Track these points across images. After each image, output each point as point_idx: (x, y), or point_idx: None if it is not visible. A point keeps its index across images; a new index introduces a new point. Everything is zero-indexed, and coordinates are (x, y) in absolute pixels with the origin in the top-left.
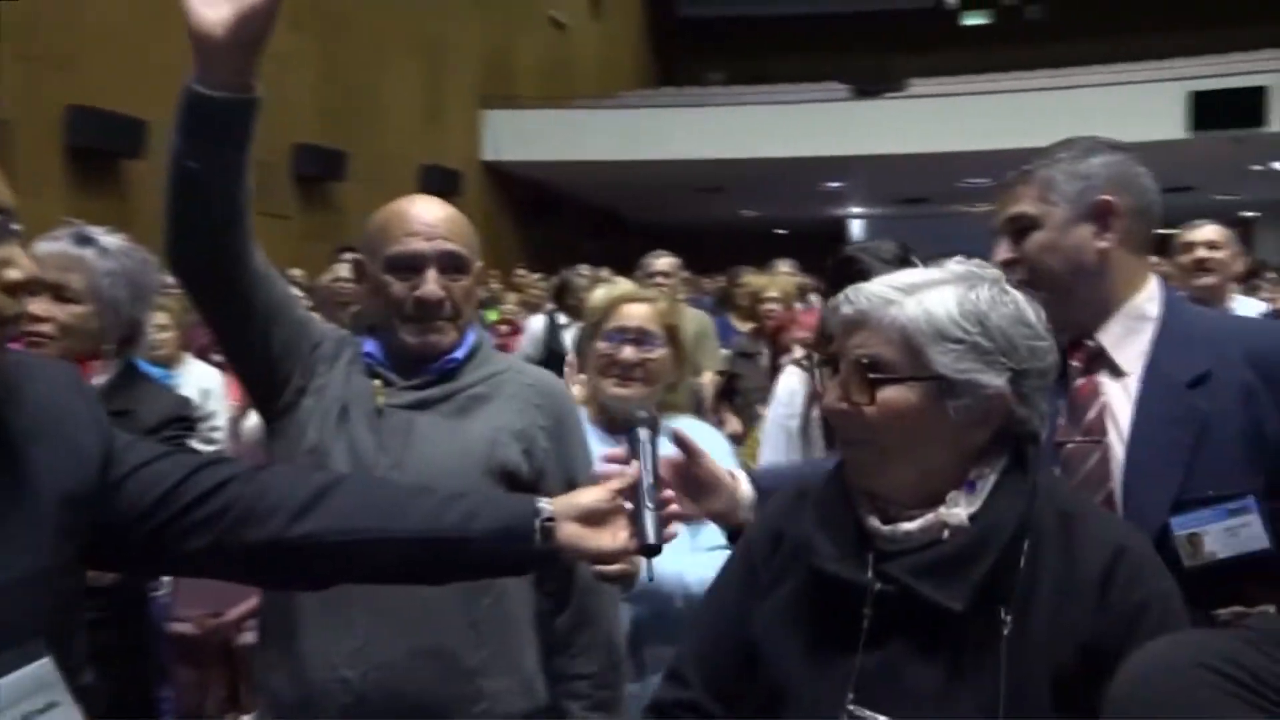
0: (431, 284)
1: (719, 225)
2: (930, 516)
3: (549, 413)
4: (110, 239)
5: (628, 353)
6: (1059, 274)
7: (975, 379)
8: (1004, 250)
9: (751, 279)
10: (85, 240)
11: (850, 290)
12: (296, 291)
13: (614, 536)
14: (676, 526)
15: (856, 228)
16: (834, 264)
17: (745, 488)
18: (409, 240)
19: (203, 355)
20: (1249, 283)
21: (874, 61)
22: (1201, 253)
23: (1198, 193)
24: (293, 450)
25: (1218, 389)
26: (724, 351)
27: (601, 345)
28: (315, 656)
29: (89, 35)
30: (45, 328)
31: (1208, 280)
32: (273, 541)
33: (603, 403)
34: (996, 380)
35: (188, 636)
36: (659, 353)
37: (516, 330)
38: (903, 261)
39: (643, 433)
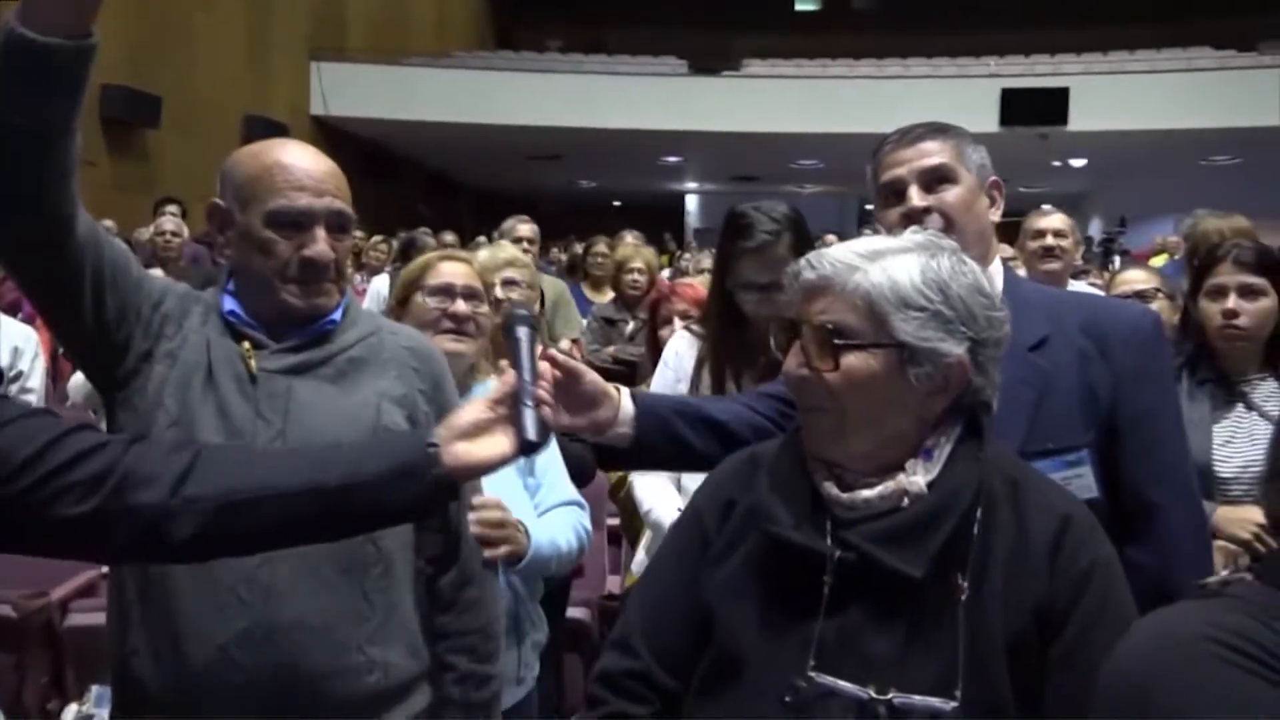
0: (322, 244)
1: (555, 194)
2: (890, 484)
3: (426, 376)
4: None
5: (460, 306)
6: (969, 232)
7: (937, 347)
8: (919, 196)
9: (618, 249)
10: None
11: (812, 256)
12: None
13: (498, 444)
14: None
15: (692, 203)
16: (727, 218)
17: (626, 403)
18: (296, 195)
19: (11, 311)
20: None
21: (711, 39)
22: (1050, 240)
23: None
24: (146, 422)
25: (1056, 352)
26: (581, 320)
27: (430, 301)
28: (196, 638)
29: None
30: None
31: (1053, 265)
32: (158, 507)
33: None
34: (957, 349)
35: (5, 619)
36: (485, 308)
37: (357, 292)
38: (794, 223)
39: (521, 330)
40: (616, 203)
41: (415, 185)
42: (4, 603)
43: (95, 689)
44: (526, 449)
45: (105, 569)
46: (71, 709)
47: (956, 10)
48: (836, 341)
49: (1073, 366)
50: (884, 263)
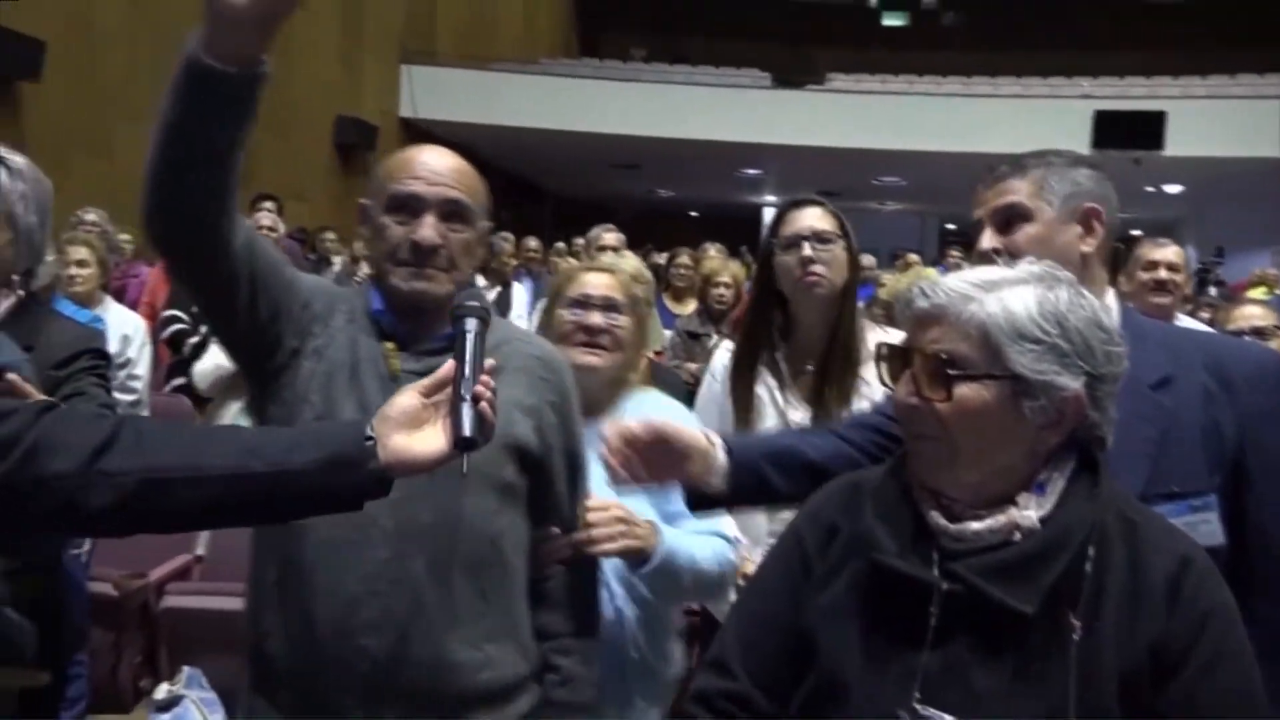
0: (429, 228)
1: (634, 202)
2: (1001, 517)
3: (555, 387)
4: (17, 158)
5: (595, 319)
6: None
7: (1052, 380)
8: (989, 238)
9: (705, 260)
10: None
11: (925, 283)
12: None
13: (435, 440)
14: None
15: (770, 216)
16: (778, 214)
17: (720, 455)
18: (411, 182)
19: (119, 298)
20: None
21: (794, 52)
22: (1163, 273)
23: None
24: (293, 416)
25: (1179, 390)
26: (666, 332)
27: (565, 313)
28: (327, 624)
29: None
30: None
31: (1163, 300)
32: (72, 476)
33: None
34: (1073, 383)
35: (105, 597)
36: (624, 320)
37: None
38: (844, 227)
39: (470, 323)
40: (694, 213)
41: (498, 189)
42: (105, 581)
43: (186, 670)
44: (462, 445)
45: (200, 552)
46: (163, 688)
47: (1049, 29)
48: (949, 371)
49: (1197, 406)
50: (1000, 293)
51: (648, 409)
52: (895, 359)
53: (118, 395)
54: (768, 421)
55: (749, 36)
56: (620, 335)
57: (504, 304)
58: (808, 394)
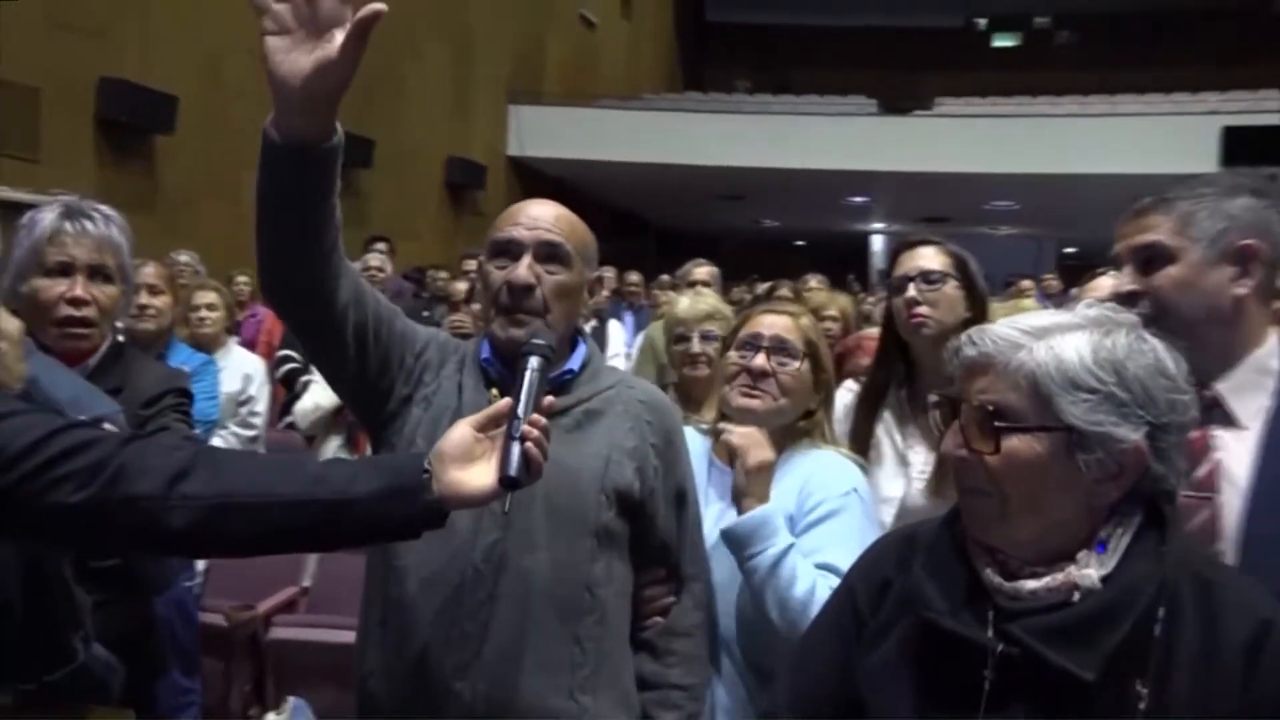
0: (523, 268)
1: (739, 233)
2: (1058, 576)
3: (659, 430)
4: (108, 209)
5: (758, 361)
6: (1190, 316)
7: (1109, 432)
8: (1128, 279)
9: (811, 294)
10: (81, 213)
11: (974, 331)
12: None
13: (485, 476)
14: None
15: (878, 243)
16: (893, 252)
17: None
18: (511, 229)
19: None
20: None
21: (901, 78)
22: None
23: None
24: None
25: None
26: None
27: (733, 354)
28: (424, 666)
29: (124, 5)
30: (89, 312)
31: None
32: (154, 499)
33: (726, 415)
34: (1132, 434)
35: (216, 628)
36: (795, 366)
37: None
38: (962, 263)
39: (531, 361)
40: (800, 242)
41: (601, 223)
42: (216, 612)
43: (292, 701)
44: (506, 484)
45: (306, 584)
46: (269, 717)
47: (1170, 43)
48: (997, 424)
49: None
50: (1051, 340)
51: (808, 468)
52: (945, 408)
53: (239, 430)
54: (886, 463)
55: (854, 64)
56: (786, 382)
57: (599, 340)
58: (931, 439)
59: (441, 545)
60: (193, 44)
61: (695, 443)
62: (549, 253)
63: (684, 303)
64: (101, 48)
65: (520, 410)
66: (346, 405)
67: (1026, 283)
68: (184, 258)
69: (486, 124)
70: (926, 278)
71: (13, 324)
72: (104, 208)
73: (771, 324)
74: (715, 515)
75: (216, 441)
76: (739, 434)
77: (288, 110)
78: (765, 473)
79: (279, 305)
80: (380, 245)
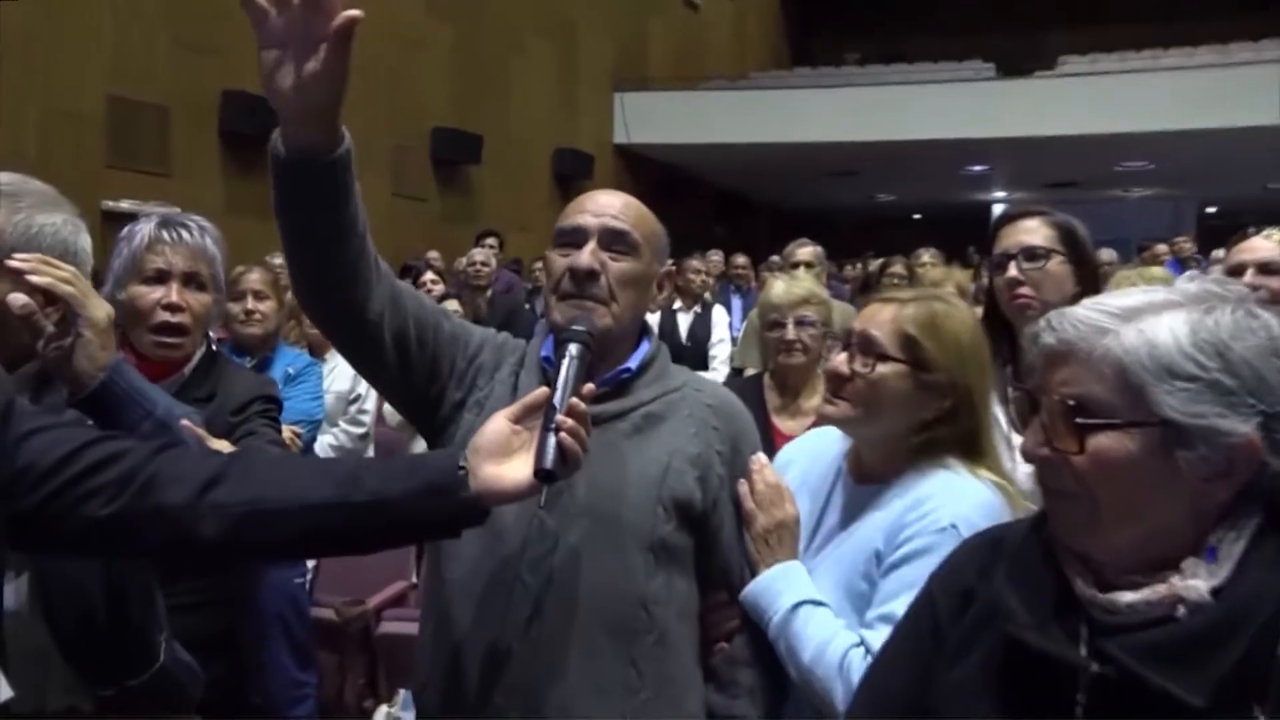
0: (586, 253)
1: (852, 209)
2: (1161, 588)
3: (725, 436)
4: (203, 220)
5: (837, 362)
6: None
7: (1213, 424)
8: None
9: (925, 269)
10: (177, 224)
11: (1054, 315)
12: (431, 279)
13: (521, 470)
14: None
15: (1000, 212)
16: (993, 226)
17: None
18: (577, 216)
19: None
20: None
21: (1021, 38)
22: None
23: None
24: None
25: None
26: None
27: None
28: (474, 683)
29: (242, 22)
30: (184, 318)
31: None
32: (184, 508)
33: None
34: (1241, 426)
35: (329, 622)
36: (883, 370)
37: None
38: (1069, 235)
39: (571, 349)
40: (916, 215)
41: (710, 206)
42: (328, 608)
43: (403, 693)
44: (542, 477)
45: (415, 580)
46: (382, 710)
47: None
48: (1081, 420)
49: None
50: (1141, 322)
51: (915, 496)
52: (1024, 402)
53: (349, 428)
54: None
55: (969, 27)
56: (861, 389)
57: (703, 326)
58: None
59: (489, 557)
60: None
61: (825, 441)
62: (614, 239)
63: (778, 287)
64: (222, 64)
65: (556, 399)
66: (401, 414)
67: (1162, 247)
68: (279, 260)
69: (593, 113)
70: (1030, 254)
71: (102, 311)
72: (199, 219)
73: (868, 316)
74: (819, 544)
75: (327, 439)
76: (755, 494)
77: (289, 123)
78: (781, 531)
79: (314, 318)
80: (489, 240)
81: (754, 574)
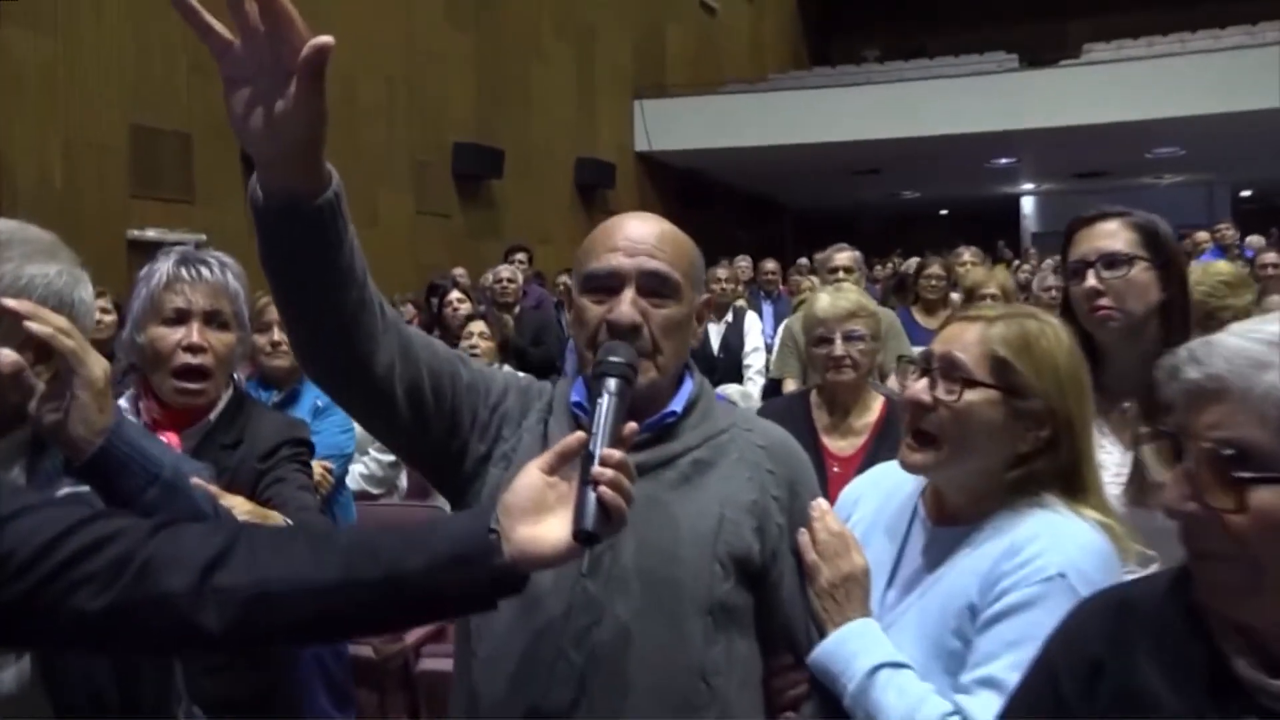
0: (626, 304)
1: (877, 207)
2: None
3: (782, 480)
4: (224, 256)
5: (917, 389)
6: None
7: None
8: None
9: (967, 271)
10: (197, 260)
11: (1200, 347)
12: (458, 297)
13: (558, 530)
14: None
15: (1028, 205)
16: (1069, 231)
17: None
18: (609, 256)
19: None
20: None
21: (1044, 27)
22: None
23: None
24: None
25: None
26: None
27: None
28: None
29: None
30: (206, 360)
31: None
32: (186, 595)
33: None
34: None
35: (367, 660)
36: (971, 397)
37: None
38: (1152, 237)
39: (610, 384)
40: (943, 211)
41: (733, 211)
42: (365, 645)
43: None
44: (582, 539)
45: None
46: None
47: None
48: (1239, 474)
49: None
50: None
51: (1012, 540)
52: (1165, 445)
53: (379, 456)
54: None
55: (990, 18)
56: (950, 421)
57: (736, 335)
58: (1124, 437)
59: (525, 631)
60: (326, 72)
61: (898, 475)
62: (655, 284)
63: (824, 300)
64: None
65: (594, 446)
66: (421, 474)
67: (1202, 235)
68: None
69: (613, 121)
70: (1110, 261)
71: (99, 369)
72: (220, 255)
73: (949, 337)
74: (896, 594)
75: (358, 468)
76: (818, 545)
77: (265, 167)
78: (849, 585)
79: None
80: (519, 256)
81: (822, 634)
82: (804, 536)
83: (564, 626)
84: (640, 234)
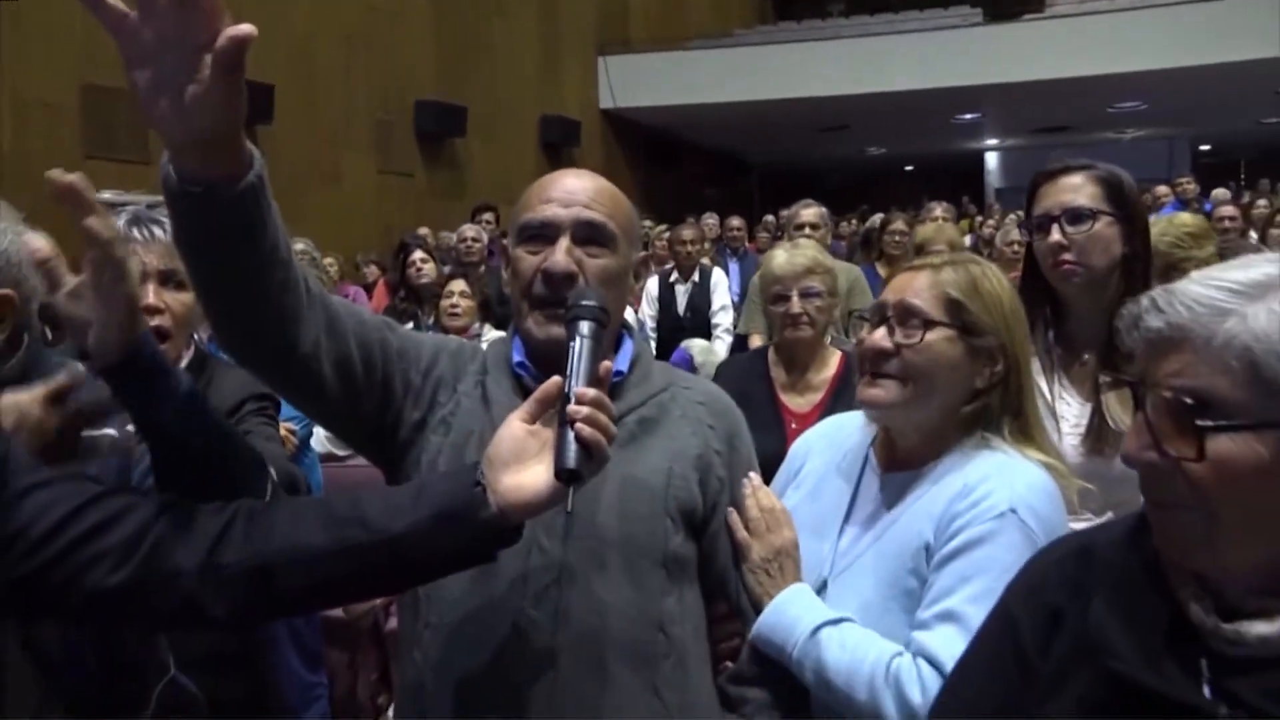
0: (561, 253)
1: (844, 163)
2: None
3: (722, 435)
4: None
5: (875, 337)
6: None
7: None
8: None
9: (920, 227)
10: (149, 220)
11: (1161, 295)
12: (421, 257)
13: (541, 475)
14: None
15: (992, 161)
16: (1033, 184)
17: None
18: (544, 207)
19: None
20: None
21: None
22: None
23: None
24: None
25: None
26: None
27: (864, 330)
28: None
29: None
30: (164, 321)
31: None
32: (193, 574)
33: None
34: None
35: (336, 620)
36: (931, 337)
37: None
38: (1114, 190)
39: (583, 326)
40: (909, 167)
41: (701, 168)
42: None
43: None
44: (565, 479)
45: None
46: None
47: None
48: (1200, 422)
49: None
50: (1274, 301)
51: (963, 479)
52: (1126, 394)
53: None
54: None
55: None
56: (914, 361)
57: (702, 295)
58: (1084, 388)
59: (481, 595)
60: (283, 33)
61: (845, 428)
62: (590, 234)
63: (780, 257)
64: None
65: (569, 387)
66: (354, 449)
67: (1163, 189)
68: (300, 245)
69: (577, 79)
70: (1074, 216)
71: (136, 284)
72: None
73: (900, 286)
74: (851, 540)
75: (323, 432)
76: (750, 522)
77: (178, 153)
78: (782, 560)
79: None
80: (487, 215)
81: (757, 609)
82: (733, 515)
83: (523, 587)
84: (576, 187)
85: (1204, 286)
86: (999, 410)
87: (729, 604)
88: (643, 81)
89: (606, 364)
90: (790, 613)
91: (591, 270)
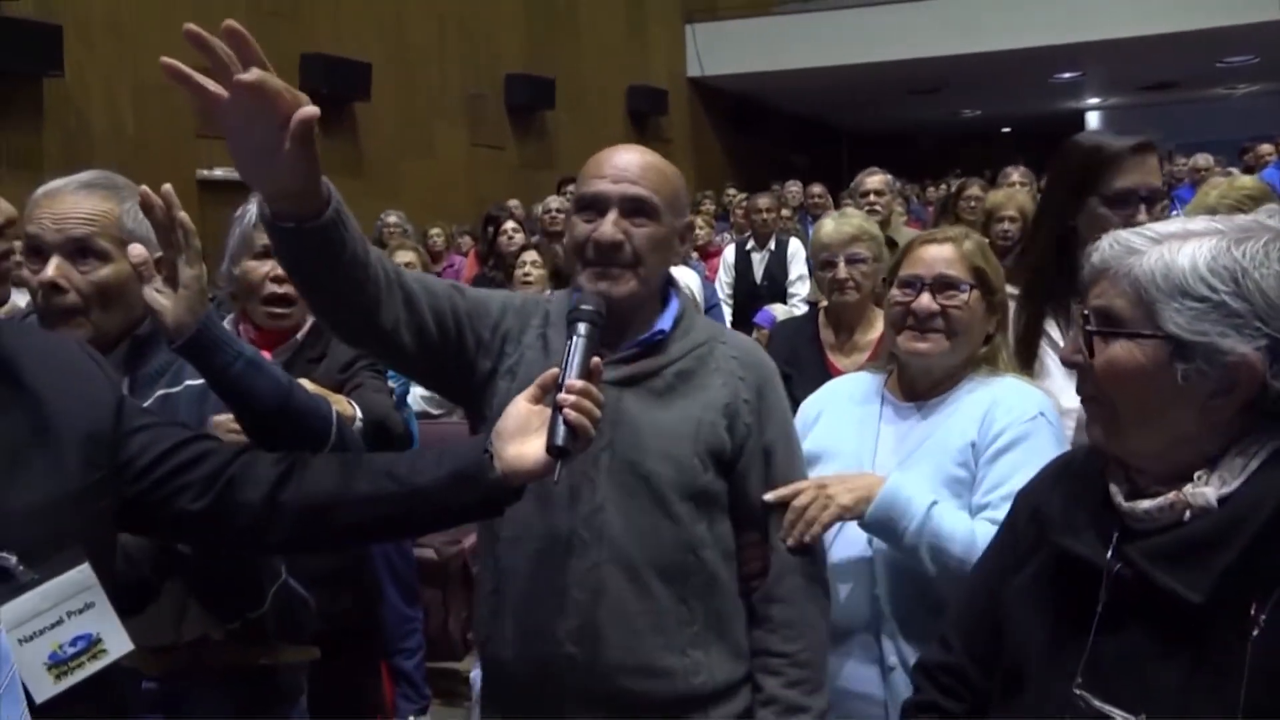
0: (608, 225)
1: (937, 127)
2: (1171, 495)
3: (752, 385)
4: None
5: (924, 301)
6: None
7: (1215, 343)
8: None
9: (992, 194)
10: None
11: (1106, 236)
12: (513, 227)
13: (537, 448)
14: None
15: (1094, 120)
16: (1071, 154)
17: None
18: (596, 182)
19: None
20: None
21: None
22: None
23: None
24: None
25: None
26: None
27: (895, 294)
28: (540, 633)
29: None
30: (291, 289)
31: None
32: (256, 507)
33: (900, 361)
34: (1242, 346)
35: (430, 561)
36: (964, 299)
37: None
38: None
39: (580, 328)
40: (1005, 129)
41: (788, 135)
42: (428, 547)
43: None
44: (554, 454)
45: None
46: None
47: None
48: (1094, 328)
49: None
50: (1168, 246)
51: (989, 396)
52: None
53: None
54: (1054, 373)
55: None
56: (958, 317)
57: (779, 264)
58: None
59: (542, 515)
60: (378, 12)
61: (862, 384)
62: (636, 207)
63: (828, 225)
64: (299, 27)
65: (563, 378)
66: (442, 395)
67: (1266, 147)
68: (392, 218)
69: (664, 47)
70: (1154, 195)
71: (200, 268)
72: None
73: (932, 259)
74: (889, 451)
75: (419, 390)
76: (804, 508)
77: (268, 200)
78: (833, 482)
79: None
80: (571, 187)
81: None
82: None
83: (574, 510)
84: (625, 163)
85: (1131, 233)
86: (999, 347)
87: (757, 530)
88: (730, 48)
89: (596, 360)
90: (904, 492)
91: (637, 238)
